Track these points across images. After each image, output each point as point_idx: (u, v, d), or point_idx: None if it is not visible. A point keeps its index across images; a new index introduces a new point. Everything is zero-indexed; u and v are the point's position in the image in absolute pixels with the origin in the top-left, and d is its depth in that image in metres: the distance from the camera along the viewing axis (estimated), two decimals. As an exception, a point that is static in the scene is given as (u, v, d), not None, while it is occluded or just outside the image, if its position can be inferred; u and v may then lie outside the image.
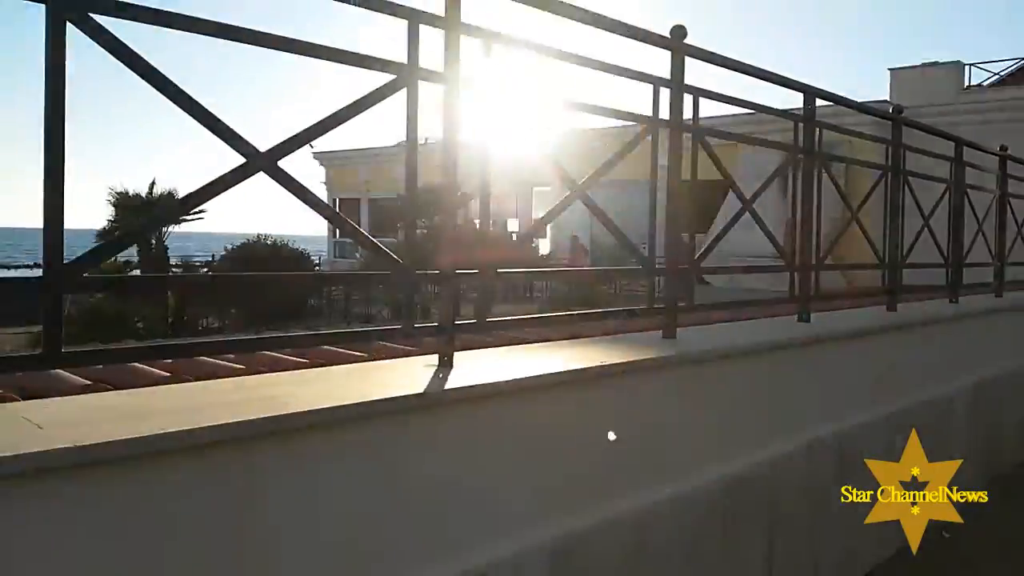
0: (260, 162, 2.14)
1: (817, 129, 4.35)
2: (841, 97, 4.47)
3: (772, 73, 3.88)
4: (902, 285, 5.41)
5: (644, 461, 2.99)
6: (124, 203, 19.40)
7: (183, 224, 21.13)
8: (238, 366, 3.10)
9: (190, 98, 2.02)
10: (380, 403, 2.14)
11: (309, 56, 2.27)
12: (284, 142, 2.19)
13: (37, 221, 1.80)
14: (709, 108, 3.71)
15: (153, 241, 19.07)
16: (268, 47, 2.14)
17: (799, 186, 4.30)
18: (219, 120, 2.08)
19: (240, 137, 2.11)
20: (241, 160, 2.11)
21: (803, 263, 4.41)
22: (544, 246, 27.94)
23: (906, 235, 5.46)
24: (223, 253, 22.08)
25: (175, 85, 1.99)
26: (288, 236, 24.37)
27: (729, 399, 3.47)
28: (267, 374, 2.65)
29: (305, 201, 2.26)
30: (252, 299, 18.07)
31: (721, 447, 3.37)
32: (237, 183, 2.13)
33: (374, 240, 2.50)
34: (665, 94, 3.38)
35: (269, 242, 22.77)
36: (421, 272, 2.51)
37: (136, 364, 3.05)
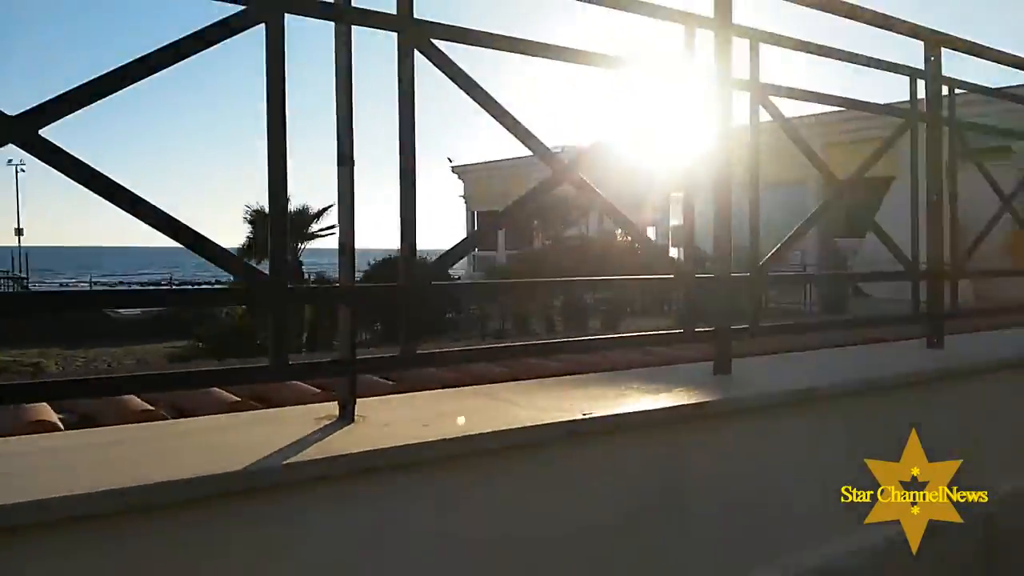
0: (12, 130, 1.49)
1: (946, 88, 3.26)
2: (978, 44, 3.32)
3: (865, 9, 2.84)
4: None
5: (652, 560, 2.09)
6: (260, 220, 19.99)
7: (316, 240, 21.82)
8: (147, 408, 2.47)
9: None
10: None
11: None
12: (47, 103, 1.52)
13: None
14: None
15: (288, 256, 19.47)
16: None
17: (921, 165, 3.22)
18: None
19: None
20: None
21: (933, 270, 3.32)
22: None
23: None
24: (365, 269, 22.37)
25: None
26: (426, 251, 24.37)
27: (801, 464, 2.48)
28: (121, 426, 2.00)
29: (89, 186, 1.57)
30: (389, 313, 18.14)
31: (788, 532, 2.39)
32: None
33: (225, 249, 1.76)
34: (706, 39, 2.49)
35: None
36: (293, 288, 1.78)
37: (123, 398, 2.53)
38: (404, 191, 1.94)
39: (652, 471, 2.10)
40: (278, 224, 1.77)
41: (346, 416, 1.86)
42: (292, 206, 21.29)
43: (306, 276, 21.28)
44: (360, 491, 1.63)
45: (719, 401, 2.22)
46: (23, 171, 44.76)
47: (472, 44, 2.04)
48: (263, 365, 1.77)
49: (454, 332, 20.47)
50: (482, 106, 2.05)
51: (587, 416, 1.95)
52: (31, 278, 35.47)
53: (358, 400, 2.05)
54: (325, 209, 21.45)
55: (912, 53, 3.21)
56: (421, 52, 1.93)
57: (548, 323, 17.72)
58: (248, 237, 20.30)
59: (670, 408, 2.11)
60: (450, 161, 32.90)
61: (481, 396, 2.22)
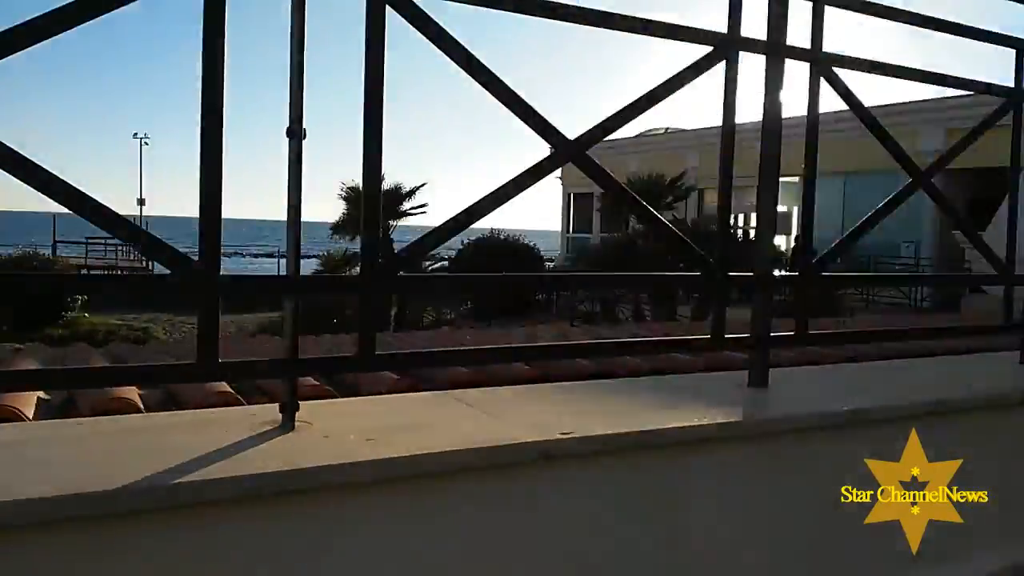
0: None
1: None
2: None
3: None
4: None
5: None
6: (354, 197, 20.02)
7: (408, 218, 21.93)
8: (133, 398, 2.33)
9: None
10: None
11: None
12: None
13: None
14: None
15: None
16: None
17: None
18: None
19: None
20: None
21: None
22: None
23: None
24: (459, 248, 22.48)
25: None
26: (518, 231, 24.28)
27: (833, 502, 2.11)
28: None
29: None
30: (479, 294, 18.03)
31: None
32: None
33: (151, 234, 1.56)
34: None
35: (502, 237, 22.88)
36: (224, 278, 1.56)
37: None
38: (368, 174, 1.70)
39: (643, 503, 1.79)
40: (211, 205, 1.55)
41: (286, 423, 1.64)
42: (385, 184, 21.53)
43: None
44: (258, 517, 1.41)
45: (731, 424, 1.88)
46: (147, 144, 47.23)
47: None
48: (189, 363, 1.56)
49: (545, 314, 20.26)
50: (470, 73, 1.79)
51: (566, 436, 1.66)
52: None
53: (322, 402, 1.86)
54: (417, 188, 21.49)
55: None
56: (391, 6, 1.68)
57: (636, 308, 17.25)
58: (344, 213, 20.46)
59: (667, 430, 1.79)
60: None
61: (463, 404, 1.96)
